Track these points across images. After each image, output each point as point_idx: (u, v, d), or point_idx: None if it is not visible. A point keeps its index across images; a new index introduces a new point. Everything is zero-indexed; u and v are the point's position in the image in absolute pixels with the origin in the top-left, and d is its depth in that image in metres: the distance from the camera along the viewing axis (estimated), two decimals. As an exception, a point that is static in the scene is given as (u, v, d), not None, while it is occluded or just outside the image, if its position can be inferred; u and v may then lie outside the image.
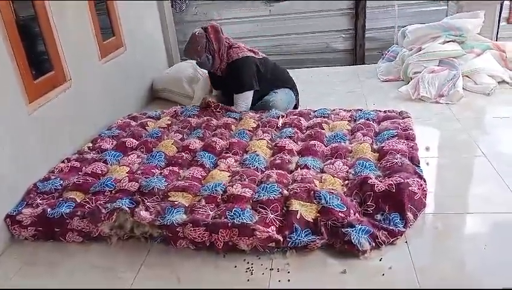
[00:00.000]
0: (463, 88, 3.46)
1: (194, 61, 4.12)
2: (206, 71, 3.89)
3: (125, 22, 3.72)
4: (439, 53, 3.78)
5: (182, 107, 3.42)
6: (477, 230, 2.02)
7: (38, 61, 2.65)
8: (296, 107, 3.49)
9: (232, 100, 3.34)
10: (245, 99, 3.28)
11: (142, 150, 2.75)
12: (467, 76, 3.61)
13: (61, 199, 2.26)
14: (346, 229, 1.89)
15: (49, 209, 2.16)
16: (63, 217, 2.11)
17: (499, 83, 3.57)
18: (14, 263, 2.05)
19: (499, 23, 4.31)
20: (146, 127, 3.12)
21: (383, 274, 1.75)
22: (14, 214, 2.17)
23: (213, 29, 3.22)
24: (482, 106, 3.32)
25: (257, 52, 3.40)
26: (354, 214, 1.98)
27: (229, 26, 5.01)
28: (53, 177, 2.45)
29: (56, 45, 2.74)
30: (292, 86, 3.48)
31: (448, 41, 3.88)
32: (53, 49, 2.72)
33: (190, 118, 3.17)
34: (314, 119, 3.00)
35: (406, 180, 2.07)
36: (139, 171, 2.45)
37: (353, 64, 4.98)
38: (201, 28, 3.23)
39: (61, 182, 2.40)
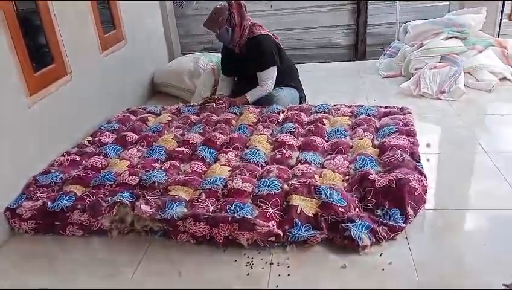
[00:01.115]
0: (464, 85, 3.45)
1: (195, 54, 4.12)
2: (208, 66, 3.88)
3: (126, 15, 3.70)
4: (441, 49, 3.76)
5: (185, 105, 3.41)
6: (477, 226, 2.03)
7: (39, 54, 2.64)
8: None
9: (247, 85, 3.30)
10: (271, 75, 3.22)
11: (142, 144, 2.75)
12: (468, 72, 3.60)
13: (61, 192, 2.25)
14: (347, 225, 1.89)
15: (49, 203, 2.16)
16: (63, 211, 2.11)
17: (500, 79, 3.56)
18: (14, 256, 2.05)
19: (501, 19, 4.31)
20: (146, 122, 3.11)
21: (383, 269, 1.75)
22: (14, 207, 2.17)
23: (237, 3, 3.19)
24: (483, 103, 3.32)
25: (277, 38, 3.36)
26: (354, 210, 1.99)
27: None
28: (53, 170, 2.44)
29: (57, 38, 2.73)
30: (300, 88, 3.47)
31: (450, 38, 3.87)
32: (54, 42, 2.71)
33: (190, 114, 3.17)
34: (315, 114, 2.99)
35: (406, 176, 2.07)
36: (139, 165, 2.45)
37: (354, 60, 4.96)
38: (225, 1, 3.19)
39: (61, 175, 2.40)
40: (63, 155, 2.63)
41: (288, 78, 3.40)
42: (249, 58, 3.25)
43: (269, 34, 3.27)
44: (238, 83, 3.48)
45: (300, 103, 3.43)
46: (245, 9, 3.24)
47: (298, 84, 3.48)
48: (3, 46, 2.25)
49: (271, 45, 3.22)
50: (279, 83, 3.33)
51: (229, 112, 3.15)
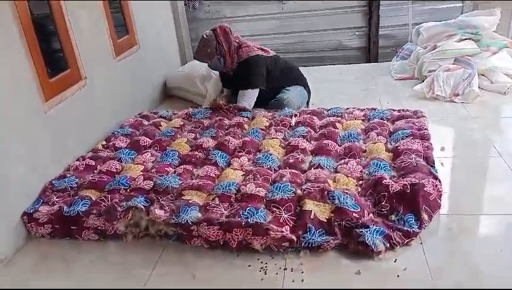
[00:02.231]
0: (478, 87, 3.42)
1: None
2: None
3: (138, 20, 3.74)
4: (455, 51, 3.73)
5: (194, 109, 3.42)
6: (492, 231, 2.00)
7: (54, 59, 2.68)
8: (307, 104, 3.48)
9: None
10: (248, 96, 3.28)
11: (156, 148, 2.77)
12: (482, 74, 3.56)
13: (76, 197, 2.28)
14: (361, 230, 1.88)
15: (65, 207, 2.18)
16: (79, 215, 2.13)
17: (515, 81, 3.52)
18: (31, 259, 2.08)
19: (515, 21, 4.25)
20: (159, 127, 3.13)
21: (398, 275, 1.74)
22: (31, 211, 2.20)
23: (222, 30, 3.23)
24: (497, 105, 3.28)
25: (267, 51, 3.40)
26: (368, 215, 1.98)
27: (242, 24, 5.01)
28: (68, 175, 2.48)
29: (71, 43, 2.77)
30: (304, 84, 3.48)
31: (463, 40, 3.83)
32: (68, 47, 2.75)
33: (202, 119, 3.19)
34: (328, 118, 2.99)
35: (420, 181, 2.06)
36: (153, 170, 2.47)
37: (367, 62, 4.94)
38: (210, 30, 3.24)
39: (77, 180, 2.43)
40: (78, 160, 2.66)
41: (291, 78, 3.43)
42: (238, 79, 3.33)
43: (257, 52, 3.29)
44: (234, 95, 3.50)
45: (308, 100, 3.47)
46: (230, 32, 3.27)
47: (303, 81, 3.50)
48: (20, 52, 2.29)
49: (258, 67, 3.27)
50: (284, 85, 3.36)
51: (241, 116, 3.15)
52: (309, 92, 3.51)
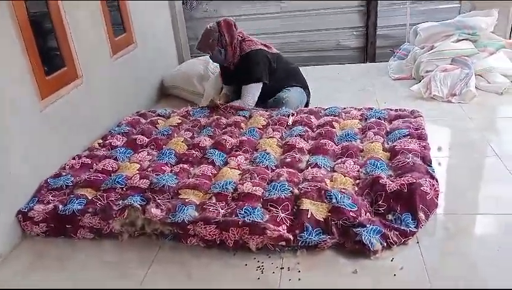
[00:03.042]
0: (476, 87, 3.42)
1: (205, 57, 4.14)
2: (217, 69, 3.90)
3: (136, 19, 3.73)
4: (452, 51, 3.74)
5: (193, 108, 3.41)
6: (490, 231, 2.00)
7: (50, 57, 2.66)
8: (306, 106, 3.48)
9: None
10: (252, 91, 3.25)
11: (152, 147, 2.76)
12: (479, 75, 3.57)
13: (72, 195, 2.27)
14: (357, 229, 1.88)
15: (60, 206, 2.17)
16: (74, 214, 2.12)
17: (512, 82, 3.53)
18: (26, 258, 2.07)
19: (513, 21, 4.27)
20: (156, 125, 3.12)
21: (395, 275, 1.74)
22: (26, 210, 2.19)
23: (226, 23, 3.23)
24: (494, 106, 3.29)
25: (270, 47, 3.40)
26: (365, 214, 1.97)
27: (239, 23, 4.91)
28: (64, 173, 2.46)
29: (68, 42, 2.75)
30: (304, 86, 3.47)
31: (461, 40, 3.84)
32: (65, 45, 2.73)
33: (200, 118, 3.18)
34: (325, 117, 2.98)
35: (417, 180, 2.05)
36: (149, 169, 2.45)
37: (364, 62, 4.95)
38: (215, 22, 3.24)
39: (72, 178, 2.41)
40: (74, 158, 2.65)
41: (292, 79, 3.42)
42: (239, 73, 3.30)
43: (260, 47, 3.29)
44: (235, 92, 3.49)
45: (307, 101, 3.46)
46: (235, 27, 3.27)
47: (303, 83, 3.49)
48: (16, 50, 2.28)
49: (260, 61, 3.25)
50: (284, 85, 3.35)
51: (239, 115, 3.15)
52: (309, 95, 3.50)
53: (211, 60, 4.04)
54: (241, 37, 3.30)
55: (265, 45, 3.35)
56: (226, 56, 3.27)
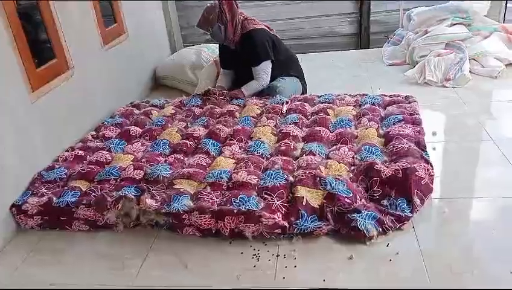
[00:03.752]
0: (470, 71, 3.41)
1: (197, 46, 4.11)
2: (210, 58, 3.87)
3: (126, 9, 3.68)
4: (446, 36, 3.72)
5: (188, 98, 3.37)
6: (484, 215, 2.01)
7: (41, 49, 2.63)
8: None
9: (245, 77, 3.28)
10: (265, 69, 3.21)
11: (146, 138, 2.74)
12: (473, 59, 3.56)
13: (66, 187, 2.26)
14: (353, 215, 1.88)
15: (54, 198, 2.16)
16: (68, 206, 2.11)
17: (506, 65, 3.51)
18: (21, 251, 2.05)
19: (506, 5, 4.24)
20: (150, 116, 3.10)
21: (390, 260, 1.74)
22: (20, 203, 2.17)
23: (227, 0, 3.17)
24: (489, 90, 3.28)
25: (272, 29, 3.36)
26: (360, 200, 1.97)
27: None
28: (57, 166, 2.44)
29: (58, 33, 2.71)
30: (301, 77, 3.44)
31: (454, 24, 3.82)
32: (55, 36, 2.70)
33: (194, 107, 3.15)
34: (319, 104, 2.97)
35: (412, 165, 2.05)
36: (143, 159, 2.44)
37: (358, 49, 4.92)
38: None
39: (66, 170, 2.40)
40: (67, 150, 2.63)
41: (289, 68, 3.38)
42: (243, 54, 3.24)
43: (262, 27, 3.25)
44: (237, 76, 3.45)
45: (303, 92, 3.42)
46: (236, 5, 3.22)
47: (300, 73, 3.46)
48: (4, 42, 2.24)
49: (264, 39, 3.20)
50: (281, 73, 3.32)
51: (232, 104, 3.13)
52: (305, 86, 3.46)
53: (203, 49, 4.01)
54: (244, 17, 3.25)
55: (266, 26, 3.31)
56: (226, 33, 3.19)
